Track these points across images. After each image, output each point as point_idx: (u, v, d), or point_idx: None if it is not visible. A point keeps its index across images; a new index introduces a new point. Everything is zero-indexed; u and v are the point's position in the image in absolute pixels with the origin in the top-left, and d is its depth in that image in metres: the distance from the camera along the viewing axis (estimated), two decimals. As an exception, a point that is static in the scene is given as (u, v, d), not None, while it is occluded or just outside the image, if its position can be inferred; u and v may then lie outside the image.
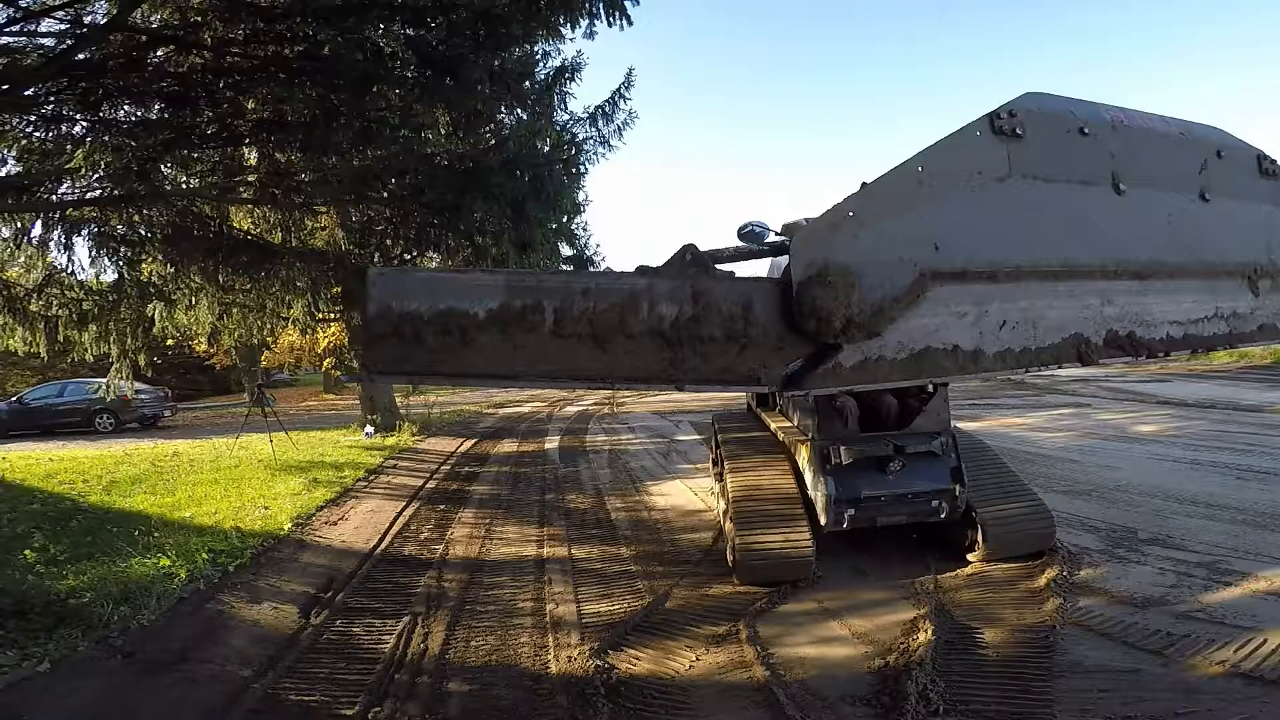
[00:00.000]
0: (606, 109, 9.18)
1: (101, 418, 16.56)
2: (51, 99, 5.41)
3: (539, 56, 7.77)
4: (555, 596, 4.28)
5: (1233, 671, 2.89)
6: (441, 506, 6.94)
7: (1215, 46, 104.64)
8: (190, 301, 7.95)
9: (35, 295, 6.88)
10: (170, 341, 15.59)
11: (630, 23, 5.48)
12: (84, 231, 6.50)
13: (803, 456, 4.46)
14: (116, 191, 6.07)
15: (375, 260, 8.05)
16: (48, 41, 5.23)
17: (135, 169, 5.75)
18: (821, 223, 2.34)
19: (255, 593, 4.42)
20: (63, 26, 5.28)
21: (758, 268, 4.46)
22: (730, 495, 4.54)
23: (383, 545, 5.57)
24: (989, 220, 2.43)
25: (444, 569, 4.93)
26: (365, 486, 7.91)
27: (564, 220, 9.96)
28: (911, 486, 4.15)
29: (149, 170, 5.93)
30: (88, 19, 5.32)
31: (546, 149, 7.60)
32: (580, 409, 16.42)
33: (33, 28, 5.21)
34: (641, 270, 2.36)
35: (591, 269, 11.73)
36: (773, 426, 5.23)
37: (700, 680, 3.18)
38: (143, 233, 6.76)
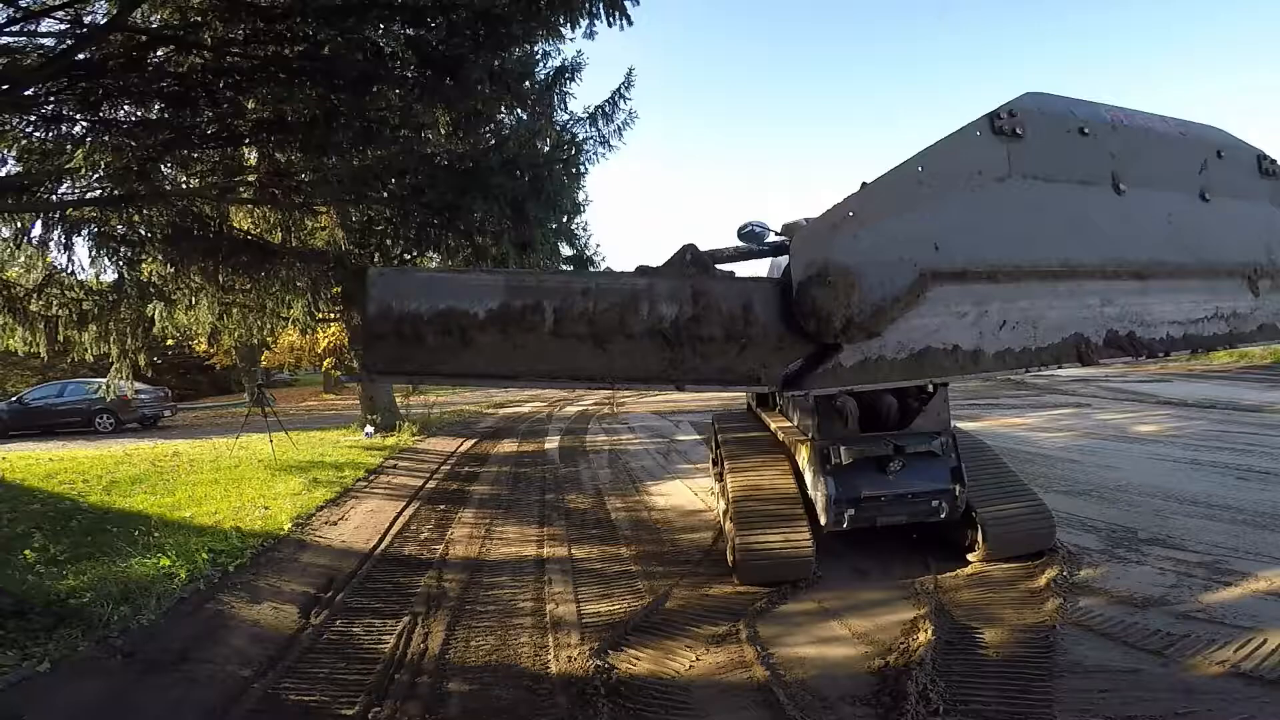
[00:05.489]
0: (606, 109, 9.15)
1: (101, 418, 16.57)
2: (51, 99, 5.40)
3: (539, 56, 7.76)
4: (555, 596, 4.28)
5: (1233, 671, 2.89)
6: (441, 506, 6.94)
7: (1215, 46, 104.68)
8: (190, 301, 7.96)
9: (35, 295, 6.88)
10: (170, 341, 15.61)
11: (630, 23, 5.47)
12: (84, 231, 6.50)
13: (803, 456, 4.46)
14: (116, 191, 6.07)
15: (375, 260, 8.05)
16: (48, 41, 5.23)
17: (135, 169, 5.76)
18: (821, 223, 2.33)
19: (255, 593, 4.42)
20: (63, 26, 5.27)
21: (758, 268, 4.46)
22: (730, 495, 4.54)
23: (383, 545, 5.57)
24: (989, 220, 2.43)
25: (444, 569, 4.94)
26: (365, 486, 7.91)
27: (564, 220, 9.91)
28: (911, 486, 4.15)
29: (149, 170, 5.93)
30: (88, 19, 5.31)
31: (546, 149, 7.59)
32: (580, 409, 16.41)
33: (33, 28, 5.20)
34: (641, 270, 2.35)
35: (591, 269, 11.72)
36: (773, 426, 5.23)
37: (700, 680, 3.18)
38: (143, 233, 6.76)
